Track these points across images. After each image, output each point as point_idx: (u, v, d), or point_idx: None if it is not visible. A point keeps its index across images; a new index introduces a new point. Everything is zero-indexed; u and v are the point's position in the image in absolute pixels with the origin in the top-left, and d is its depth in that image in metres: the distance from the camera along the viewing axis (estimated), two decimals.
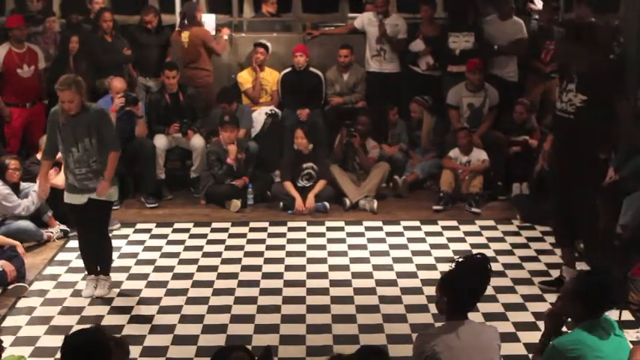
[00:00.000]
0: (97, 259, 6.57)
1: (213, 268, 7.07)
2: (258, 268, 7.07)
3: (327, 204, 8.47)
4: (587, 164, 6.02)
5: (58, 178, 7.88)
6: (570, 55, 6.03)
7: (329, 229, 8.00)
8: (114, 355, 3.57)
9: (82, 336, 3.51)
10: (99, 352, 3.46)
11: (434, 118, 9.41)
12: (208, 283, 6.75)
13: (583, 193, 6.06)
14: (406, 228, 7.99)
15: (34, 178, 7.78)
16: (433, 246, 7.53)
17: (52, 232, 7.64)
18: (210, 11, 9.87)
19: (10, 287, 6.48)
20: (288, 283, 6.75)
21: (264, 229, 7.98)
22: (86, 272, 6.66)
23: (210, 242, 7.68)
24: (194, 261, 7.23)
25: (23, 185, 7.64)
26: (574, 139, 5.98)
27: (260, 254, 7.36)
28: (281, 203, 8.52)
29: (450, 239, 7.69)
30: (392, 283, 6.76)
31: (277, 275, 6.92)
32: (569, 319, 4.10)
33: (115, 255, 7.29)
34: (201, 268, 7.08)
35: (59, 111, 6.25)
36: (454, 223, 8.06)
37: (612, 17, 9.17)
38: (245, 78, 9.63)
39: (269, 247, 7.54)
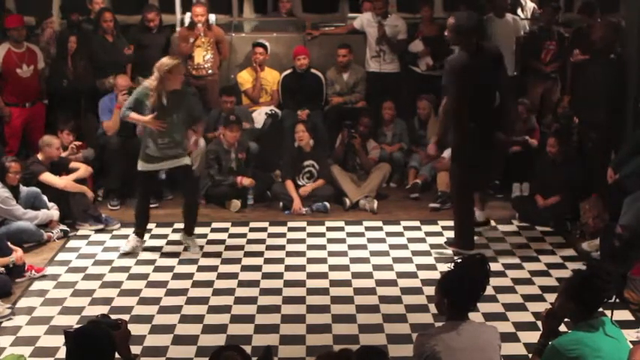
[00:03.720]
0: (187, 220, 7.44)
1: (213, 268, 7.07)
2: (258, 268, 7.07)
3: (327, 204, 8.47)
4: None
5: (57, 179, 7.90)
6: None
7: (329, 229, 8.00)
8: (116, 338, 3.59)
9: (87, 336, 3.50)
10: (106, 348, 3.47)
11: (436, 118, 9.42)
12: (208, 283, 6.75)
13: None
14: (406, 228, 7.99)
15: (36, 177, 7.80)
16: (433, 246, 7.53)
17: (52, 232, 7.64)
18: (210, 11, 9.86)
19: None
20: (288, 283, 6.75)
21: (264, 229, 7.98)
22: (134, 231, 7.38)
23: (210, 242, 7.68)
24: (194, 261, 7.23)
25: (22, 189, 7.65)
26: None
27: (260, 254, 7.36)
28: (281, 203, 8.52)
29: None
30: (392, 283, 6.76)
31: (277, 275, 6.92)
32: (568, 319, 4.10)
33: (115, 255, 7.36)
34: (201, 268, 7.08)
35: (150, 86, 7.06)
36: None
37: (613, 17, 9.17)
38: (245, 78, 9.63)
39: (269, 247, 7.54)
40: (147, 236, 7.77)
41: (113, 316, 3.85)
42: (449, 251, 7.23)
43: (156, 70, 7.02)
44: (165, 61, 7.03)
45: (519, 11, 10.17)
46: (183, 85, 7.28)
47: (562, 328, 4.17)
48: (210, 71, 9.50)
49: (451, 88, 6.88)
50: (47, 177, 7.86)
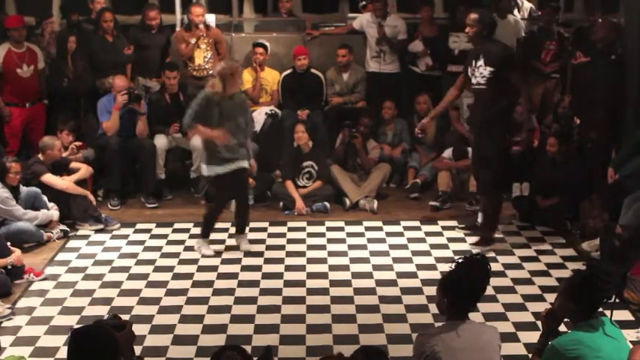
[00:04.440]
0: (242, 220, 7.51)
1: (213, 268, 7.07)
2: (258, 268, 7.07)
3: (327, 204, 8.47)
4: (495, 123, 7.19)
5: (59, 181, 7.90)
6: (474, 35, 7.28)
7: (329, 229, 8.00)
8: (120, 339, 3.56)
9: (89, 336, 3.48)
10: (107, 349, 3.45)
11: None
12: (208, 283, 6.75)
13: (489, 144, 7.24)
14: (406, 228, 7.99)
15: (37, 178, 7.80)
16: (433, 246, 7.54)
17: (52, 233, 7.63)
18: (210, 11, 9.86)
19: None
20: (288, 283, 6.75)
21: (264, 229, 7.98)
22: (202, 237, 7.39)
23: (210, 242, 7.67)
24: (194, 261, 7.23)
25: (22, 189, 7.65)
26: (486, 104, 7.21)
27: (260, 254, 7.36)
28: (281, 203, 8.52)
29: (450, 239, 7.69)
30: (392, 283, 6.76)
31: (277, 275, 6.92)
32: (568, 319, 4.10)
33: (115, 255, 7.36)
34: (201, 268, 7.08)
35: (222, 93, 7.03)
36: (454, 223, 8.06)
37: (613, 17, 9.18)
38: (245, 78, 9.59)
39: (269, 247, 7.54)
40: (147, 236, 7.79)
41: None
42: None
43: (217, 74, 7.08)
44: (226, 64, 7.16)
45: (516, 11, 10.18)
46: (240, 92, 7.43)
47: (562, 328, 4.18)
48: (210, 72, 9.50)
49: (518, 74, 7.19)
50: (49, 178, 7.85)
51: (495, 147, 7.24)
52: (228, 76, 6.99)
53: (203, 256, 7.28)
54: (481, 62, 7.14)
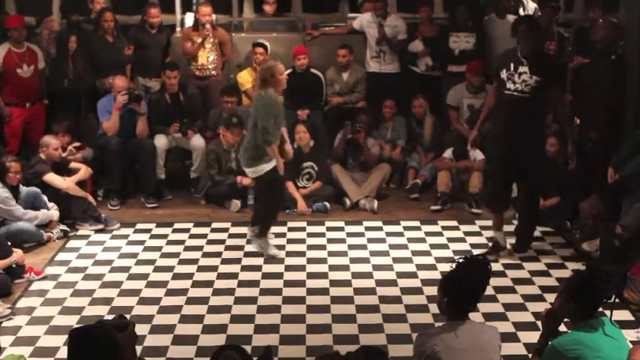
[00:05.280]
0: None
1: (213, 268, 7.07)
2: (258, 268, 7.08)
3: (327, 204, 8.47)
4: (538, 136, 7.16)
5: (60, 180, 7.90)
6: (525, 42, 6.91)
7: (329, 229, 8.00)
8: (121, 340, 3.55)
9: (88, 336, 3.47)
10: (107, 349, 3.44)
11: (433, 118, 9.43)
12: (208, 283, 6.76)
13: (535, 160, 7.08)
14: (406, 228, 7.99)
15: (40, 177, 7.80)
16: (433, 246, 7.54)
17: (52, 233, 7.63)
18: None
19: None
20: (288, 283, 6.75)
21: None
22: (262, 233, 7.29)
23: (210, 242, 7.68)
24: (194, 261, 7.23)
25: (22, 189, 7.64)
26: (529, 113, 6.95)
27: (260, 254, 7.35)
28: None
29: (450, 239, 7.69)
30: (392, 283, 6.76)
31: (277, 275, 6.92)
32: (568, 319, 4.10)
33: (115, 255, 7.36)
34: (201, 268, 7.08)
35: (276, 95, 6.95)
36: (454, 223, 8.07)
37: (613, 17, 9.16)
38: (245, 78, 9.63)
39: None
40: (147, 236, 7.80)
41: (113, 316, 3.82)
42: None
43: (264, 79, 6.94)
44: (266, 66, 7.04)
45: (521, 11, 10.16)
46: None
47: (562, 328, 4.18)
48: (213, 72, 9.51)
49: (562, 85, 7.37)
50: (51, 177, 7.85)
51: (543, 155, 7.31)
52: (269, 78, 6.90)
53: (268, 256, 7.23)
54: (525, 69, 6.82)
